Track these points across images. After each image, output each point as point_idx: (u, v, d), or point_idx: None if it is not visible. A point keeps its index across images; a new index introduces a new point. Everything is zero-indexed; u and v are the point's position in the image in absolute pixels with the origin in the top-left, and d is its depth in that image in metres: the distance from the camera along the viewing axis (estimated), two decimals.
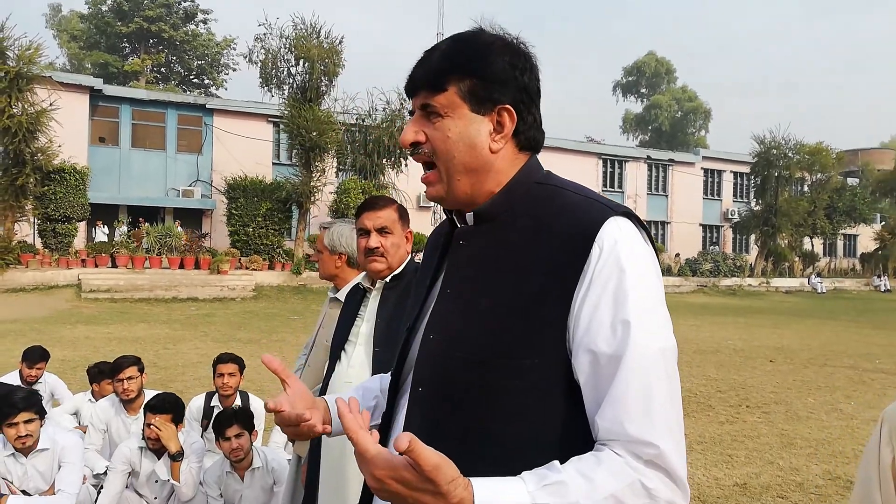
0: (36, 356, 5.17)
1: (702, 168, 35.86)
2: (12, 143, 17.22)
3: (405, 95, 1.18)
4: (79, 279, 17.51)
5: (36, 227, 19.49)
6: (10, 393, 3.59)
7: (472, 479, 0.90)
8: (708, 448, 5.70)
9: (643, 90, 58.81)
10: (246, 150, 24.43)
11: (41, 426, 3.48)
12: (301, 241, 21.38)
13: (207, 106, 25.47)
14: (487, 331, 1.05)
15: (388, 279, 2.35)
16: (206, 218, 24.95)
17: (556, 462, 0.95)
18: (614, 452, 0.95)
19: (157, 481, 3.53)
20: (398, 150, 21.15)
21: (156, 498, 3.57)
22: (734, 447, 5.75)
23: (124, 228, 21.25)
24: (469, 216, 1.16)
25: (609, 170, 33.77)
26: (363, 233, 2.32)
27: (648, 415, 0.95)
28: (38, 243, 19.40)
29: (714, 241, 36.33)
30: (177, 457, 3.42)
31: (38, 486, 3.45)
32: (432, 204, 26.09)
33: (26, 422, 3.33)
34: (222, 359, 4.29)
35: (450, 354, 1.08)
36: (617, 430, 0.96)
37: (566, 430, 1.01)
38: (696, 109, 56.34)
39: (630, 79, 59.02)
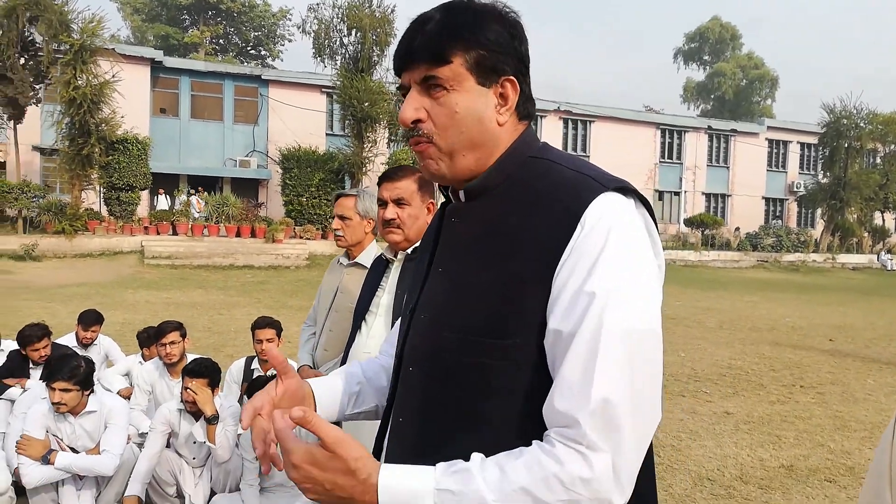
0: (91, 319, 5.41)
1: (766, 139, 34.40)
2: (77, 113, 17.87)
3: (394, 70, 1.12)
4: (142, 246, 18.21)
5: (102, 195, 20.28)
6: (60, 358, 3.76)
7: (383, 465, 0.91)
8: (755, 428, 5.53)
9: (706, 57, 56.47)
10: (300, 121, 24.74)
11: (87, 395, 3.63)
12: None
13: (263, 77, 25.84)
14: (473, 309, 1.02)
15: (409, 251, 2.32)
16: (262, 188, 25.48)
17: (479, 455, 0.92)
18: (546, 443, 0.90)
19: (194, 442, 3.65)
20: None
21: (194, 458, 3.69)
22: (783, 428, 5.56)
23: (184, 197, 21.91)
24: (462, 193, 1.13)
25: (667, 140, 32.78)
26: (381, 203, 2.30)
27: (583, 393, 0.88)
28: (104, 211, 20.21)
29: (777, 214, 34.96)
30: (212, 420, 3.51)
31: (86, 444, 3.61)
32: None
33: (62, 390, 3.48)
34: (259, 324, 4.37)
35: (438, 333, 1.06)
36: (553, 408, 0.91)
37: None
38: (762, 77, 53.78)
39: (692, 45, 56.71)
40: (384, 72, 21.24)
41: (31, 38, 18.88)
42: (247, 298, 13.02)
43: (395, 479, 0.90)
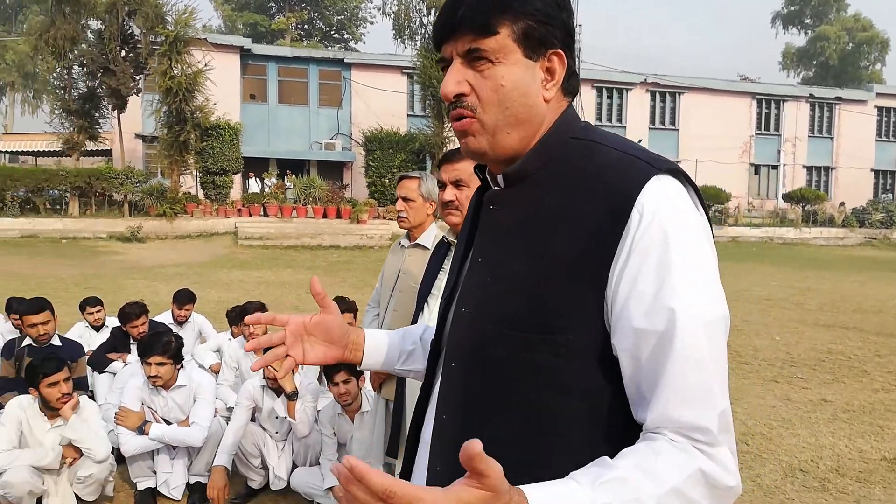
0: (184, 298, 5.70)
1: (875, 106, 31.88)
2: (174, 102, 18.81)
3: (433, 44, 1.07)
4: (235, 227, 19.06)
5: (198, 179, 21.32)
6: (153, 335, 3.99)
7: (523, 487, 0.78)
8: (855, 417, 5.18)
9: (807, 21, 52.68)
10: (382, 103, 25.03)
11: (178, 369, 3.84)
12: None
13: (346, 60, 26.28)
14: (517, 302, 0.97)
15: None
16: (347, 170, 26.06)
17: (606, 457, 0.86)
18: (669, 440, 0.86)
19: (276, 417, 3.79)
20: None
21: (276, 432, 3.84)
22: (887, 417, 5.18)
23: (273, 180, 22.72)
24: (500, 178, 1.07)
25: (764, 111, 30.98)
26: (440, 185, 2.28)
27: (705, 399, 0.87)
28: (201, 194, 21.26)
29: (887, 188, 32.44)
30: (292, 396, 3.63)
31: (177, 416, 3.83)
32: None
33: (157, 364, 3.69)
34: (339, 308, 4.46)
35: (481, 327, 1.01)
36: (671, 415, 0.87)
37: (606, 408, 0.93)
38: (870, 40, 49.58)
39: (792, 8, 52.99)
40: None
41: (130, 31, 19.99)
42: (332, 278, 13.39)
43: (545, 501, 0.78)
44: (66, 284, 11.63)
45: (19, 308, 4.70)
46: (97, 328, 5.73)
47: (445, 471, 1.01)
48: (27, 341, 4.36)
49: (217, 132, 20.34)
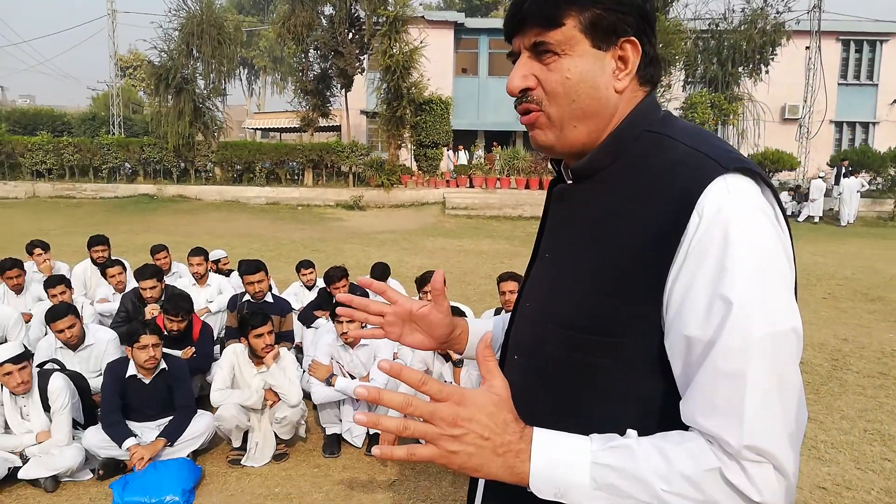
0: (379, 272, 6.16)
1: None
2: (392, 79, 20.08)
3: (504, 36, 1.05)
4: (443, 198, 20.00)
5: (412, 152, 22.66)
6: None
7: (537, 427, 0.87)
8: None
9: None
10: None
11: (363, 327, 4.23)
12: None
13: None
14: (577, 303, 0.96)
15: None
16: None
17: (634, 432, 0.87)
18: (705, 437, 0.84)
19: (444, 381, 4.01)
20: (757, 56, 18.72)
21: None
22: None
23: (480, 152, 23.35)
24: (570, 173, 1.05)
25: None
26: None
27: (737, 411, 0.81)
28: (414, 166, 22.59)
29: None
30: (458, 363, 3.82)
31: (360, 372, 4.23)
32: (798, 116, 22.68)
33: (348, 321, 4.09)
34: (504, 277, 4.56)
35: (542, 325, 1.02)
36: (697, 419, 0.84)
37: (661, 412, 0.91)
38: None
39: None
40: (682, 8, 19.69)
41: (356, 14, 21.62)
42: (528, 248, 13.35)
43: (550, 444, 0.85)
44: (297, 246, 13.18)
45: (245, 268, 5.48)
46: (309, 287, 6.48)
47: None
48: (246, 297, 5.09)
49: (430, 106, 21.34)
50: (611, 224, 0.94)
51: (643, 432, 0.88)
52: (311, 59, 22.22)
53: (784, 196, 18.93)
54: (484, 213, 18.80)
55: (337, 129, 26.93)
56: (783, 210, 0.91)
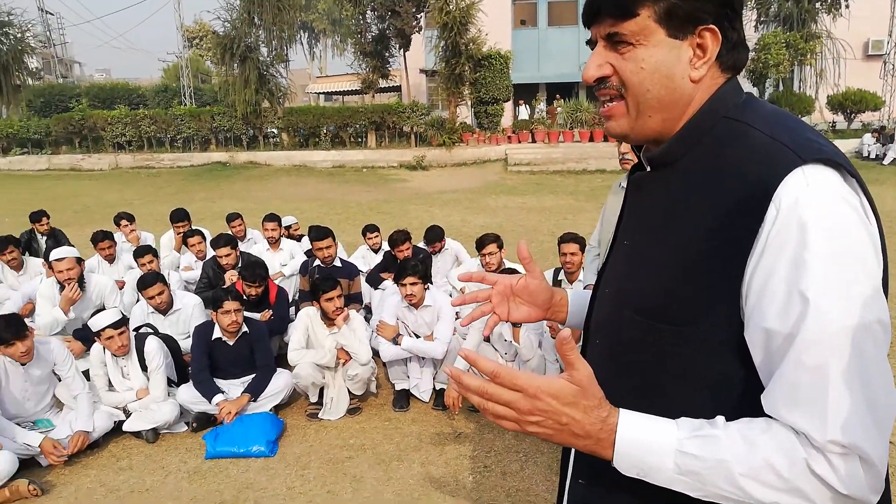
0: (432, 235, 6.25)
1: None
2: (449, 36, 19.92)
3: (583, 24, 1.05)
4: (505, 154, 19.92)
5: (472, 109, 22.55)
6: (405, 260, 4.64)
7: (625, 410, 0.90)
8: None
9: None
10: None
11: (425, 289, 4.43)
12: None
13: None
14: (651, 290, 0.97)
15: None
16: None
17: (722, 418, 0.88)
18: (789, 428, 0.85)
19: (505, 340, 4.18)
20: None
21: (505, 353, 4.25)
22: None
23: (542, 106, 22.97)
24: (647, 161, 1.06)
25: None
26: None
27: (820, 405, 0.82)
28: (474, 123, 22.50)
29: None
30: (516, 323, 3.97)
31: (424, 332, 4.45)
32: (882, 52, 21.18)
33: (411, 284, 4.29)
34: (565, 238, 4.64)
35: (620, 310, 1.04)
36: (779, 411, 0.85)
37: (740, 397, 0.91)
38: None
39: None
40: None
41: None
42: (593, 203, 13.39)
43: (636, 427, 0.88)
44: (363, 209, 13.52)
45: (313, 234, 5.75)
46: (375, 251, 6.73)
47: None
48: (316, 262, 5.37)
49: (489, 62, 21.09)
50: (686, 213, 0.94)
51: (722, 415, 0.90)
52: (368, 21, 22.23)
53: (867, 138, 17.88)
54: (547, 168, 18.63)
55: (397, 89, 27.00)
56: (871, 200, 0.89)
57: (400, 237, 5.85)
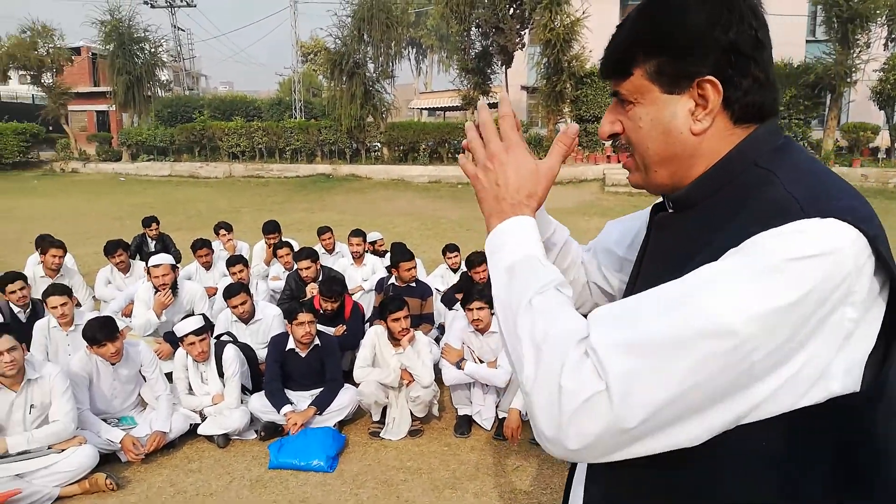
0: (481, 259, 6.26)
1: None
2: (552, 53, 19.82)
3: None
4: (603, 174, 19.49)
5: None
6: (474, 285, 4.62)
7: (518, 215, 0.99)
8: None
9: None
10: (775, 29, 22.01)
11: (492, 315, 4.39)
12: (832, 130, 18.70)
13: None
14: None
15: None
16: None
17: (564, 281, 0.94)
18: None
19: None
20: None
21: None
22: None
23: None
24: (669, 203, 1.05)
25: None
26: None
27: (619, 315, 0.82)
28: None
29: None
30: None
31: (488, 358, 4.40)
32: None
33: (478, 308, 4.27)
34: None
35: None
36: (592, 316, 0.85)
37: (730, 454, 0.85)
38: None
39: None
40: None
41: None
42: None
43: (513, 231, 0.97)
44: (453, 225, 13.64)
45: (393, 256, 5.85)
46: (454, 270, 6.75)
47: None
48: (391, 280, 5.45)
49: (591, 80, 20.79)
50: (698, 255, 0.90)
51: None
52: (472, 38, 22.50)
53: None
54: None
55: (497, 105, 27.09)
56: (888, 263, 0.80)
57: (477, 258, 5.83)
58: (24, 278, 5.36)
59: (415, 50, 49.90)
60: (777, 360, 0.78)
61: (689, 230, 0.97)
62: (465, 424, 4.41)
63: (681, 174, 0.97)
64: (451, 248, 6.82)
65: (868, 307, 0.81)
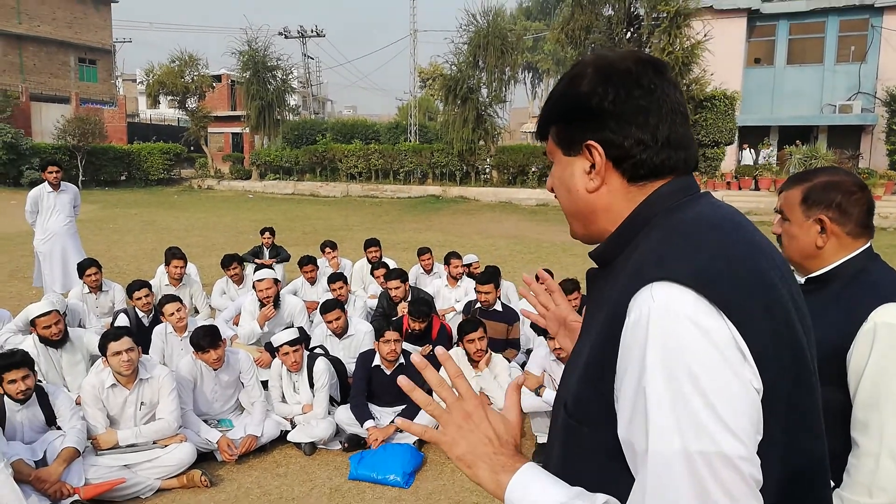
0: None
1: None
2: None
3: None
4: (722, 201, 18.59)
5: None
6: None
7: (526, 467, 0.95)
8: None
9: None
10: None
11: None
12: None
13: (876, 5, 22.13)
14: (570, 387, 1.03)
15: (802, 279, 1.89)
16: (865, 135, 22.22)
17: (602, 497, 0.89)
18: None
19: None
20: None
21: None
22: None
23: (770, 150, 21.12)
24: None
25: None
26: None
27: None
28: None
29: None
30: None
31: None
32: None
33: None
34: None
35: (557, 399, 1.10)
36: None
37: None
38: None
39: None
40: None
41: (635, 12, 21.15)
42: None
43: (532, 477, 0.94)
44: (556, 249, 13.51)
45: (479, 278, 5.93)
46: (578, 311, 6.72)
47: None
48: (478, 304, 5.52)
49: (711, 103, 20.00)
50: (599, 315, 0.98)
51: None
52: None
53: None
54: (768, 218, 17.01)
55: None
56: (736, 318, 0.84)
57: (569, 286, 5.78)
58: (149, 286, 5.93)
59: (531, 74, 50.13)
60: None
61: (604, 286, 1.02)
62: (544, 453, 4.37)
63: (592, 229, 1.07)
64: (569, 289, 6.78)
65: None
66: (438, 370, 1.10)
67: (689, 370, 0.82)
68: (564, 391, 1.06)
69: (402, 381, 1.07)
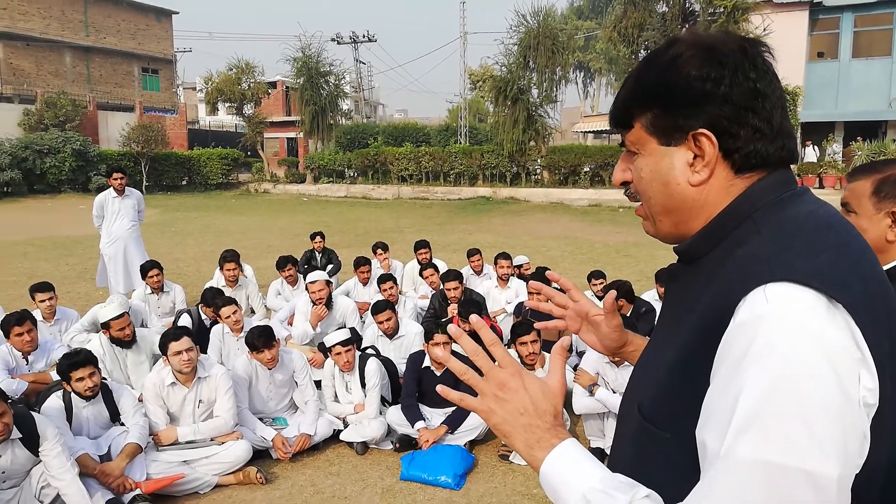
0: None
1: None
2: None
3: None
4: None
5: None
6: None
7: (567, 441, 0.91)
8: None
9: None
10: None
11: None
12: None
13: None
14: (646, 390, 0.98)
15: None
16: None
17: (643, 489, 0.84)
18: None
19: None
20: None
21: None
22: None
23: (835, 147, 20.29)
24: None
25: None
26: None
27: None
28: None
29: None
30: None
31: (621, 389, 4.26)
32: None
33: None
34: None
35: (629, 402, 1.05)
36: None
37: None
38: None
39: None
40: None
41: (691, 8, 20.66)
42: None
43: (570, 456, 0.89)
44: (609, 251, 13.28)
45: (530, 279, 5.88)
46: (599, 298, 6.61)
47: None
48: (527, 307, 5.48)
49: None
50: (689, 315, 0.91)
51: None
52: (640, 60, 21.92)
53: None
54: None
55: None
56: (877, 325, 0.78)
57: (596, 274, 5.68)
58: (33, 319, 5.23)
59: (583, 73, 49.54)
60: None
61: (690, 284, 0.97)
62: (598, 457, 4.28)
63: (685, 225, 0.98)
64: (596, 275, 6.68)
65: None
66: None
67: (793, 380, 0.75)
68: (638, 393, 1.02)
69: (441, 389, 1.03)
